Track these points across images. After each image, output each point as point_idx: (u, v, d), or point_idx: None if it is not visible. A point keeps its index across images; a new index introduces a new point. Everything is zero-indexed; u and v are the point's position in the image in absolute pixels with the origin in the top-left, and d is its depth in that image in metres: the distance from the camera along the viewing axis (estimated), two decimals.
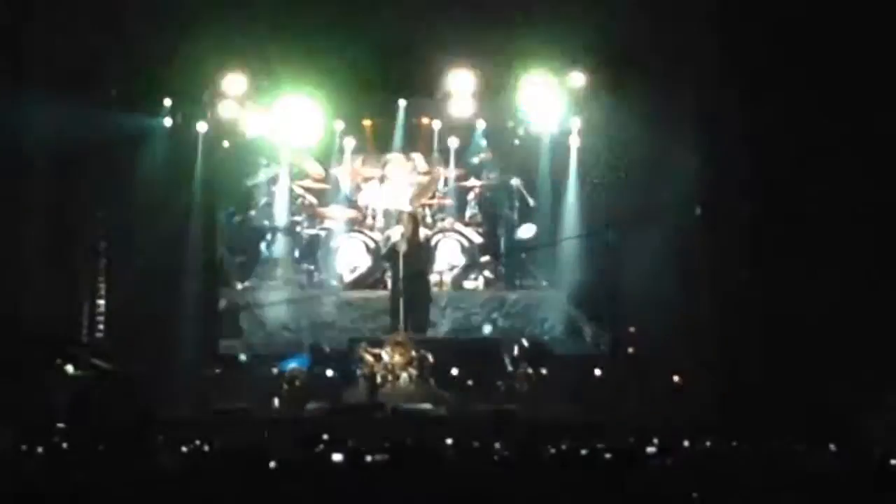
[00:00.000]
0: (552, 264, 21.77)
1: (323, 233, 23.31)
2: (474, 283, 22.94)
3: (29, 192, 17.02)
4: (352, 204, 23.17)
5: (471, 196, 23.20)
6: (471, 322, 22.25)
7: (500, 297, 22.55)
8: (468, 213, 23.19)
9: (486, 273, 23.07)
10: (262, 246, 22.95)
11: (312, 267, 23.20)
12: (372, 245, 22.98)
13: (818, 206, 16.00)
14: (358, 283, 22.82)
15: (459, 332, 21.68)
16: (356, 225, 23.14)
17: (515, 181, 22.88)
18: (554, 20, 16.60)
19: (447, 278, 22.75)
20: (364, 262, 22.94)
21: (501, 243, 23.18)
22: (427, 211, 23.13)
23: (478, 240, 22.95)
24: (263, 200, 22.82)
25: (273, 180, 22.69)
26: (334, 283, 22.81)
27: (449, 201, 23.11)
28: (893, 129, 15.52)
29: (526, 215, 22.76)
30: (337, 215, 23.10)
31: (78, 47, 16.36)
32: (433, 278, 22.45)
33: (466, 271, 22.82)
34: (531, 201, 22.67)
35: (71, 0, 16.30)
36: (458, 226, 23.01)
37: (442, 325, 22.14)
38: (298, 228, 23.28)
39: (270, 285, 22.41)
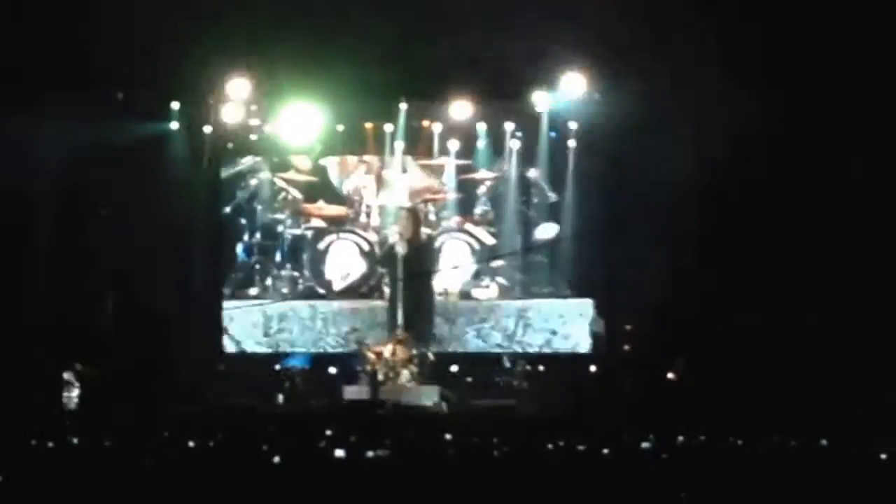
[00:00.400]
0: (579, 269, 20.43)
1: (309, 233, 21.50)
2: (485, 291, 21.30)
3: (37, 194, 17.81)
4: (343, 199, 21.44)
5: (481, 190, 21.42)
6: (480, 336, 20.88)
7: (517, 308, 21.03)
8: (478, 210, 21.46)
9: (500, 279, 21.28)
10: (238, 248, 21.52)
11: (296, 273, 21.35)
12: (366, 247, 21.36)
13: (816, 206, 16.57)
14: (350, 291, 21.26)
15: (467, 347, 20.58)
16: (348, 223, 21.42)
17: (533, 172, 21.23)
18: (550, 23, 17.18)
19: (453, 286, 21.23)
20: (357, 267, 21.43)
21: (518, 245, 21.16)
22: (430, 207, 21.47)
23: (489, 240, 21.34)
24: (240, 196, 21.29)
25: (251, 172, 21.28)
26: (322, 291, 21.23)
27: (455, 196, 21.39)
28: (892, 129, 16.03)
29: (546, 212, 21.22)
30: (325, 212, 21.41)
31: (85, 51, 17.09)
32: (437, 285, 20.96)
33: (476, 277, 21.28)
34: (552, 196, 21.10)
35: (78, 5, 16.80)
36: (467, 224, 21.41)
37: (447, 339, 20.74)
38: (280, 228, 21.42)
39: (248, 294, 21.20)
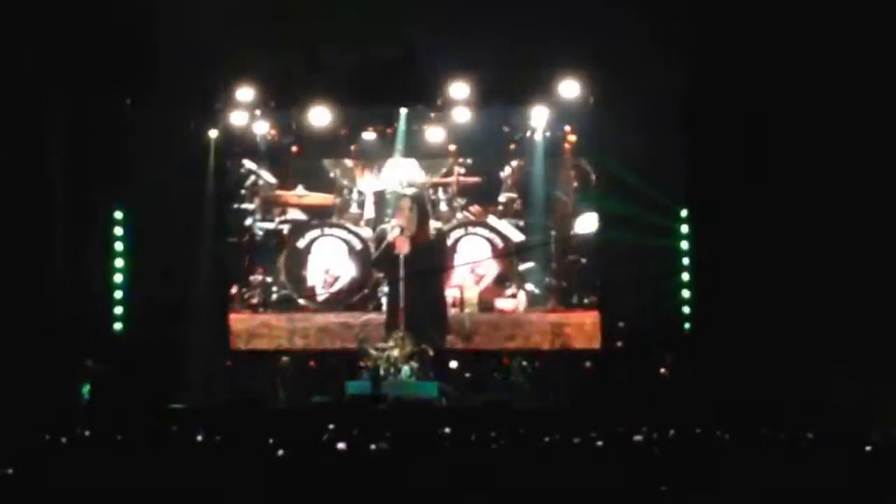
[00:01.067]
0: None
1: (285, 227, 19.21)
2: (511, 300, 18.91)
3: (51, 194, 17.78)
4: (329, 185, 19.12)
5: (506, 173, 18.98)
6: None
7: (550, 323, 18.59)
8: (502, 198, 19.00)
9: (529, 286, 18.89)
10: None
11: (270, 279, 19.06)
12: (358, 245, 18.96)
13: (803, 208, 16.66)
14: (338, 302, 18.90)
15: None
16: (335, 215, 19.10)
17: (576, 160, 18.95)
18: (546, 31, 17.06)
19: (472, 294, 18.91)
20: (347, 271, 18.98)
21: (552, 242, 18.95)
22: (440, 194, 19.09)
23: (516, 236, 18.96)
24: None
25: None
26: (303, 301, 18.95)
27: (474, 179, 19.01)
28: (883, 133, 16.11)
29: (587, 199, 18.82)
30: (306, 201, 19.15)
31: (97, 54, 17.45)
32: (450, 293, 18.84)
33: (500, 283, 18.97)
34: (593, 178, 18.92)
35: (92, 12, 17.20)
36: (488, 216, 19.01)
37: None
38: (248, 221, 19.16)
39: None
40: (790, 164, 16.87)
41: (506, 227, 18.87)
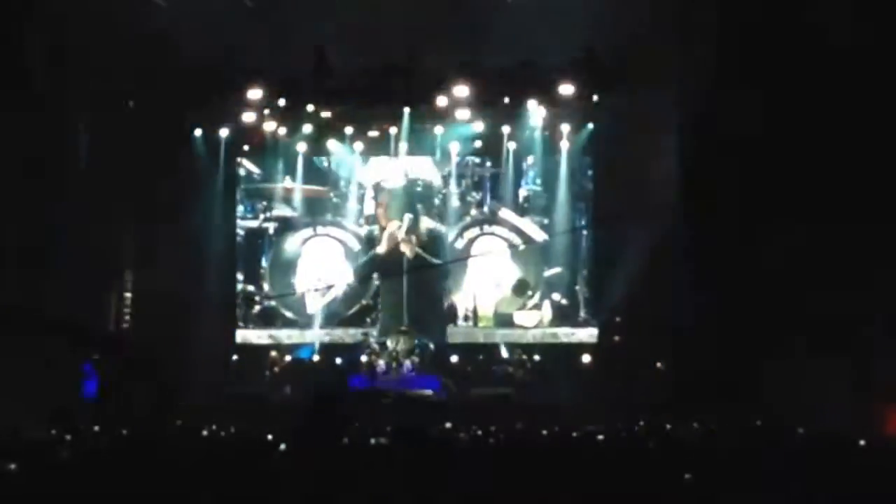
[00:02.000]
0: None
1: (271, 226, 18.12)
2: (534, 314, 17.86)
3: (59, 188, 17.46)
4: (323, 176, 18.04)
5: (529, 161, 17.98)
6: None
7: (580, 341, 17.58)
8: (523, 192, 18.03)
9: (556, 296, 17.83)
10: None
11: (251, 286, 18.10)
12: (355, 245, 17.85)
13: (800, 204, 16.46)
14: (331, 315, 17.60)
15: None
16: (330, 211, 18.05)
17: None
18: (543, 34, 16.99)
19: (485, 304, 17.92)
20: (342, 277, 17.81)
21: (584, 245, 17.95)
22: (451, 187, 18.05)
23: (539, 236, 17.95)
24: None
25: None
26: (291, 315, 17.85)
27: (489, 170, 18.10)
28: (879, 132, 15.81)
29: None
30: (295, 196, 18.11)
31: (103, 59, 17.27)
32: (461, 304, 17.85)
33: (519, 293, 17.86)
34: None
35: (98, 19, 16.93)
36: (507, 213, 17.90)
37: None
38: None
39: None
40: (786, 161, 16.66)
41: (527, 224, 17.61)
